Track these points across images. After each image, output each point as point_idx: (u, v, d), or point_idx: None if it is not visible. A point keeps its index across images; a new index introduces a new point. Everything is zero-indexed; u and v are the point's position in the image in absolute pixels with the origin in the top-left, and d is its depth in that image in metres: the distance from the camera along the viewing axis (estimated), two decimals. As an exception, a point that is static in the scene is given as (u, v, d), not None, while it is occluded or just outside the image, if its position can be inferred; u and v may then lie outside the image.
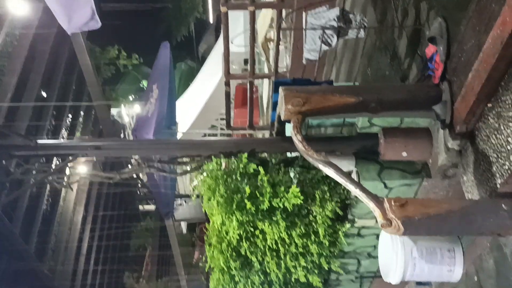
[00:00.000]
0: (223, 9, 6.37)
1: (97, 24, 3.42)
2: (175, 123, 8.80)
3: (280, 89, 3.34)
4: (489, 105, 2.92)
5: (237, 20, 13.27)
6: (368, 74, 5.33)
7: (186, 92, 18.76)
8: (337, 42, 4.15)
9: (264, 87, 12.45)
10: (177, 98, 13.36)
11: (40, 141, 3.90)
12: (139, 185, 20.26)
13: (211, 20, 24.48)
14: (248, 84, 7.71)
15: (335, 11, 4.06)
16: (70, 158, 3.97)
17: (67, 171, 4.74)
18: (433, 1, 3.61)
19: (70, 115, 18.25)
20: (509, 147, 2.72)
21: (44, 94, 16.28)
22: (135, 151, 4.07)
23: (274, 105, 3.95)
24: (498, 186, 2.82)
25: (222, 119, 15.89)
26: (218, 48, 16.34)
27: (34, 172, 4.52)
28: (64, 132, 17.25)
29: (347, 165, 3.84)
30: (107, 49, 20.65)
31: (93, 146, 3.87)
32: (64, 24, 3.43)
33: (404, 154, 3.49)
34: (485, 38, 2.72)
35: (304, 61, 4.39)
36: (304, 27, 4.15)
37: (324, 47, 4.13)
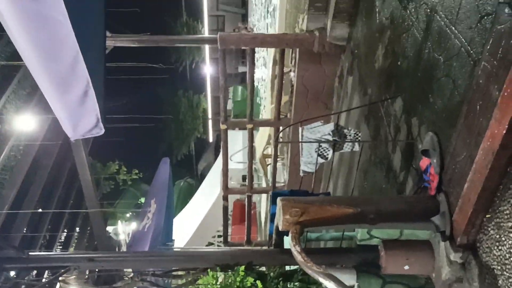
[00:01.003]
0: (222, 126, 6.66)
1: (100, 130, 3.56)
2: (172, 239, 8.65)
3: (278, 200, 3.36)
4: (488, 216, 2.91)
5: (236, 140, 13.76)
6: (365, 187, 5.38)
7: (184, 209, 18.76)
8: (333, 155, 4.27)
9: (262, 204, 12.49)
10: (175, 215, 13.31)
11: (32, 253, 3.83)
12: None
13: (210, 139, 25.39)
14: (246, 199, 7.77)
15: (330, 126, 4.24)
16: (62, 270, 3.86)
17: (57, 286, 4.56)
18: (423, 117, 3.79)
19: (65, 231, 18.02)
20: (512, 259, 2.65)
21: (40, 209, 16.24)
22: (129, 263, 3.96)
23: (272, 217, 3.94)
24: (506, 301, 2.71)
25: (219, 236, 15.68)
26: (217, 166, 16.69)
27: (23, 287, 4.35)
28: (58, 247, 16.89)
29: (348, 279, 3.71)
30: (108, 165, 21.07)
31: (86, 258, 3.78)
32: (68, 132, 3.57)
33: (406, 267, 3.41)
34: (477, 151, 2.80)
35: (301, 173, 4.47)
36: (300, 140, 4.30)
37: (320, 160, 4.24)
